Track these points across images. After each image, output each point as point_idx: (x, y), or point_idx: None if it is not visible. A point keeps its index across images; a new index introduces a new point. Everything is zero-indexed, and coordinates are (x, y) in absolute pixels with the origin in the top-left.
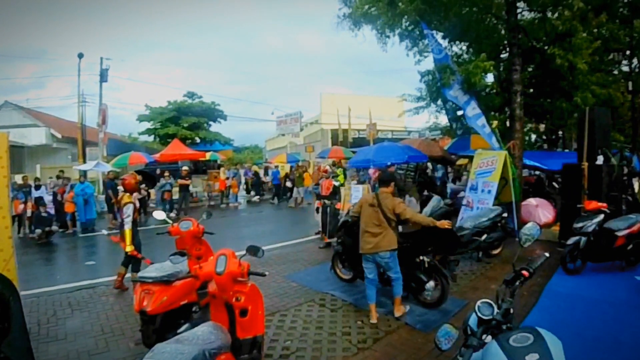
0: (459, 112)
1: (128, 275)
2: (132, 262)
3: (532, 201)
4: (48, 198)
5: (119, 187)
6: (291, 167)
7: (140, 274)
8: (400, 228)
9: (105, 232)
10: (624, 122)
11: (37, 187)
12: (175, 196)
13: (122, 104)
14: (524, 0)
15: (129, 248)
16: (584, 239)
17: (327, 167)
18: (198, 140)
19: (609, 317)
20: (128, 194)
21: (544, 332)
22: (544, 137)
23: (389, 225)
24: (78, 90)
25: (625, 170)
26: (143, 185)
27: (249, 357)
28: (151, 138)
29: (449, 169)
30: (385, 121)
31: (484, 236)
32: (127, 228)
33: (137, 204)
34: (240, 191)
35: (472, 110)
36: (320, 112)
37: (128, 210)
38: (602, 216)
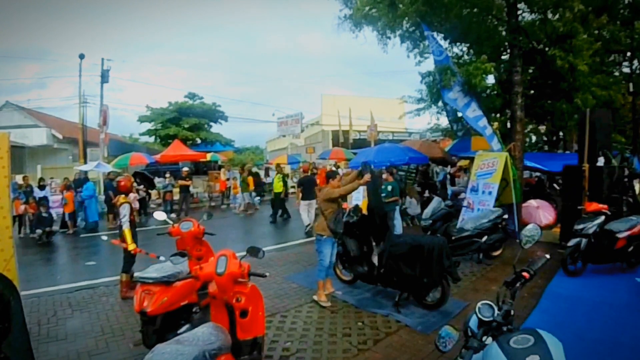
0: (460, 114)
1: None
2: (125, 262)
3: (532, 203)
4: (52, 198)
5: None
6: (292, 168)
7: (140, 274)
8: None
9: (104, 237)
10: (624, 123)
11: (42, 188)
12: (176, 197)
13: (124, 105)
14: (524, 1)
15: (132, 246)
16: (584, 240)
17: (333, 169)
18: (199, 141)
19: (610, 318)
20: (123, 195)
21: (545, 333)
22: (545, 138)
23: (321, 214)
24: (79, 91)
25: (626, 171)
26: (142, 187)
27: (249, 358)
28: (152, 139)
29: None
30: (386, 122)
31: (485, 238)
32: (125, 228)
33: (137, 205)
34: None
35: (473, 112)
36: (321, 113)
37: (124, 210)
38: (602, 218)
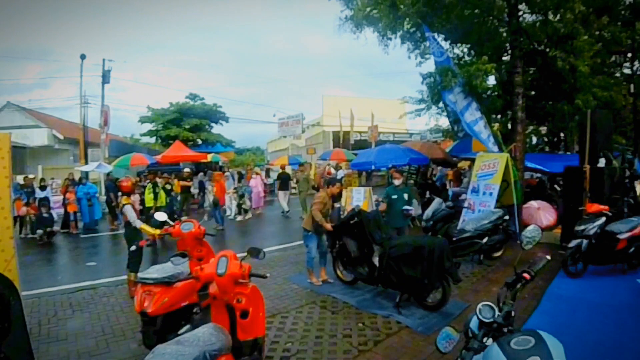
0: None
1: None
2: (131, 261)
3: (533, 204)
4: (53, 199)
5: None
6: (293, 169)
7: (141, 275)
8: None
9: (133, 247)
10: (625, 124)
11: (43, 188)
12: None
13: (125, 106)
14: (525, 2)
15: (157, 232)
16: (585, 241)
17: (332, 170)
18: (200, 142)
19: (611, 320)
20: (125, 196)
21: (546, 335)
22: (546, 139)
23: (309, 212)
24: (80, 91)
25: (627, 172)
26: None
27: (250, 359)
28: (153, 139)
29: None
30: (387, 123)
31: (486, 239)
32: (140, 225)
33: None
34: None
35: (470, 115)
36: (322, 114)
37: (129, 212)
38: (603, 219)
